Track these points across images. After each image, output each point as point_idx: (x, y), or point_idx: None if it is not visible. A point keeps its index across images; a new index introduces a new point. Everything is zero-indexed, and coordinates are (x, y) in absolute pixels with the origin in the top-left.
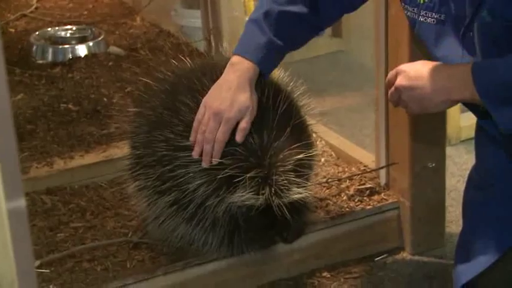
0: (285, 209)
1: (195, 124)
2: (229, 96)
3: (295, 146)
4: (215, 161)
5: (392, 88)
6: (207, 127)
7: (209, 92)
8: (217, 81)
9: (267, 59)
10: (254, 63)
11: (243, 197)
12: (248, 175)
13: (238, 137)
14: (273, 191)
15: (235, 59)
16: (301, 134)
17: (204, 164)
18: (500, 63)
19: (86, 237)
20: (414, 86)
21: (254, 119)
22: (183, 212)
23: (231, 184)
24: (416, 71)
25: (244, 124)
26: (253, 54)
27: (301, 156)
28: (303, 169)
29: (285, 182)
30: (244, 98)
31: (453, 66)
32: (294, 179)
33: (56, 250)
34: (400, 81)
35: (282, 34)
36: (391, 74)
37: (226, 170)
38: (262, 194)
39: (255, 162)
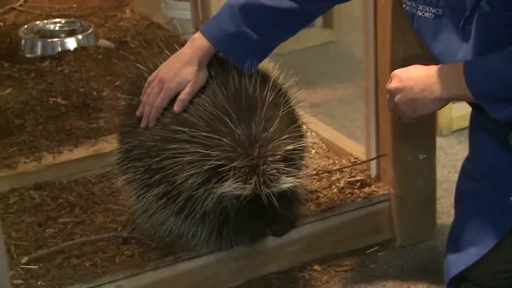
0: (273, 198)
1: (146, 85)
2: (176, 67)
3: (284, 136)
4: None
5: (388, 94)
6: (152, 91)
7: (167, 60)
8: (177, 51)
9: (236, 50)
10: (211, 45)
11: (230, 186)
12: (234, 164)
13: (176, 107)
14: (261, 181)
15: (197, 35)
16: (290, 124)
17: (142, 125)
18: (493, 62)
19: (75, 232)
20: (404, 87)
21: (242, 109)
22: (172, 204)
23: (219, 174)
24: (407, 73)
25: (182, 95)
26: (216, 39)
27: (291, 146)
28: (292, 159)
29: (274, 171)
30: (188, 72)
31: (444, 66)
32: (283, 168)
33: (44, 246)
34: (392, 84)
35: (259, 28)
36: (388, 82)
37: (213, 161)
38: (250, 184)
39: (243, 152)
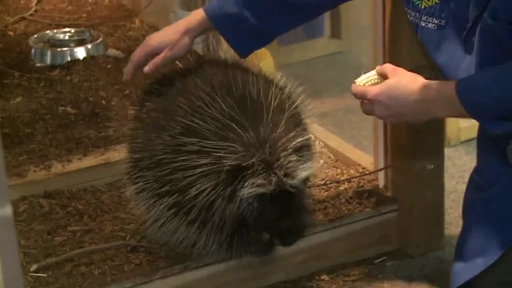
0: (299, 191)
1: None
2: (163, 31)
3: (291, 134)
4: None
5: (369, 110)
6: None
7: None
8: None
9: (232, 30)
10: (207, 18)
11: (253, 185)
12: (254, 160)
13: (145, 68)
14: (282, 173)
15: (196, 10)
16: (296, 124)
17: (123, 77)
18: (488, 82)
19: (83, 240)
20: (395, 114)
21: (249, 115)
22: (183, 214)
23: (238, 177)
24: (393, 100)
25: (156, 59)
26: (215, 16)
27: (299, 140)
28: (303, 150)
29: (290, 163)
30: (170, 36)
31: (431, 88)
32: (297, 159)
33: (53, 254)
34: (379, 112)
35: (259, 14)
36: (359, 93)
37: (228, 164)
38: (273, 177)
39: (255, 152)
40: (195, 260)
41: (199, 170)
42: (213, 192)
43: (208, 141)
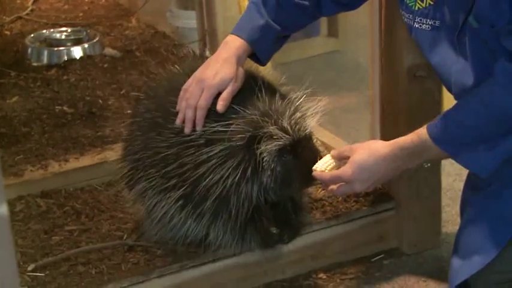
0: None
1: (181, 93)
2: (215, 67)
3: (286, 100)
4: (198, 127)
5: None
6: (191, 94)
7: (200, 66)
8: (210, 57)
9: (263, 41)
10: (246, 42)
11: (272, 138)
12: (257, 116)
13: (219, 106)
14: (293, 123)
15: (229, 38)
16: (283, 96)
17: (186, 130)
18: (458, 115)
19: (80, 240)
20: (374, 183)
21: (243, 98)
22: (193, 206)
23: (254, 141)
24: (368, 171)
25: (225, 94)
26: (247, 33)
27: (296, 103)
28: (301, 109)
29: (298, 116)
30: (229, 70)
31: (394, 147)
32: (300, 112)
33: (50, 253)
34: (360, 187)
35: (280, 19)
36: (332, 179)
37: (241, 137)
38: (289, 128)
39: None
40: (192, 259)
41: (213, 161)
42: (235, 175)
43: (212, 129)
